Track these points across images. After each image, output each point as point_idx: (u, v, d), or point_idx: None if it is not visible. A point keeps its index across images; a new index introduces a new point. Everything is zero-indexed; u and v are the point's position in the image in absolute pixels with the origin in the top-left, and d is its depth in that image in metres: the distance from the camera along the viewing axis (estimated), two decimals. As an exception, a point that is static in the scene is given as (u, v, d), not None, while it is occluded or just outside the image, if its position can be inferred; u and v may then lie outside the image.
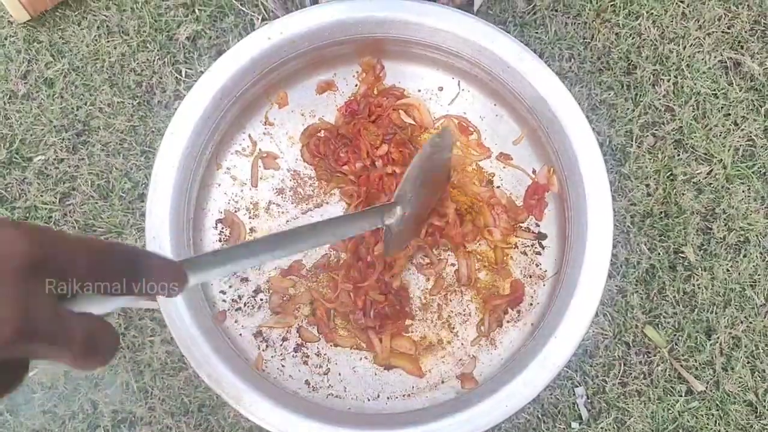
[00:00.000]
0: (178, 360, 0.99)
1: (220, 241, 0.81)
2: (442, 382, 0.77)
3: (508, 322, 0.79)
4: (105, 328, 0.33)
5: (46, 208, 1.02)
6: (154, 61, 1.06)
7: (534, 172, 0.82)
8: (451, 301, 0.80)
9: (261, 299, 0.80)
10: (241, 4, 1.08)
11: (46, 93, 1.05)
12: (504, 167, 0.82)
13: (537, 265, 0.80)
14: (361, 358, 0.78)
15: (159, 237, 0.70)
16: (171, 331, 0.69)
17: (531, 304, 0.79)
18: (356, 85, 0.83)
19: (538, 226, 0.81)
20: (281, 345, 0.79)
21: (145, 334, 0.99)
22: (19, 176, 1.03)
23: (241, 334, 0.79)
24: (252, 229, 0.81)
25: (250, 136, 0.83)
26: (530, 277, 0.80)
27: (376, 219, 0.64)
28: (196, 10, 1.07)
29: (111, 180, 1.03)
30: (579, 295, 0.69)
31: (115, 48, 1.06)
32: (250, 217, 0.82)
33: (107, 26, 1.07)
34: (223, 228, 0.81)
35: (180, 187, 0.72)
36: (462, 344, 0.79)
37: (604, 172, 0.71)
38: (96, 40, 1.06)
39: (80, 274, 0.31)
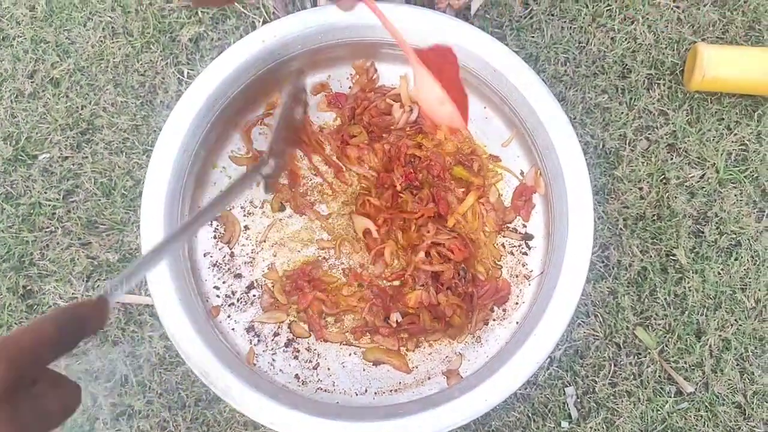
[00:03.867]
0: (176, 355, 1.01)
1: (214, 237, 0.83)
2: (429, 378, 0.79)
3: (494, 320, 0.81)
4: (73, 391, 0.40)
5: (49, 205, 1.05)
6: (157, 62, 1.09)
7: (522, 173, 0.83)
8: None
9: (254, 295, 0.82)
10: (242, 7, 1.10)
11: (51, 92, 1.08)
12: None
13: (523, 265, 0.82)
14: (350, 354, 0.80)
15: (152, 228, 0.73)
16: (163, 323, 0.71)
17: (517, 303, 0.81)
18: (350, 87, 0.85)
19: (525, 226, 0.83)
20: (272, 340, 0.81)
21: (144, 329, 1.02)
22: (24, 173, 1.06)
23: (233, 329, 0.81)
24: (246, 227, 0.83)
25: (246, 135, 0.85)
26: (516, 276, 0.81)
27: (256, 176, 0.69)
28: (199, 13, 1.10)
29: (114, 178, 1.06)
30: (559, 294, 0.70)
31: (119, 49, 1.09)
32: (244, 215, 0.84)
33: (112, 27, 1.09)
34: (218, 225, 0.83)
35: (175, 184, 0.75)
36: (449, 342, 0.80)
37: (586, 175, 0.73)
38: (101, 41, 1.09)
39: (44, 362, 0.37)
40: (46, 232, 1.05)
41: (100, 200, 1.05)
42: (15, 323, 1.02)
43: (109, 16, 1.09)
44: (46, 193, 1.05)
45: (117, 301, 1.02)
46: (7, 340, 0.35)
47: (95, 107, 1.08)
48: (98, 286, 1.02)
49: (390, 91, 0.84)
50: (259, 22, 1.10)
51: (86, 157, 1.06)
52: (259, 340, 0.80)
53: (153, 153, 0.75)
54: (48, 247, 1.04)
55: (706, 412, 1.00)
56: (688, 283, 1.03)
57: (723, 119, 1.06)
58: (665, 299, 1.02)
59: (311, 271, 0.81)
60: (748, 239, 1.04)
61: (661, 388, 1.01)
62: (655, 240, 1.04)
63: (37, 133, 1.07)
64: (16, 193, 1.05)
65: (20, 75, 1.08)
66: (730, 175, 1.05)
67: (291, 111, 0.77)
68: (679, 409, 1.00)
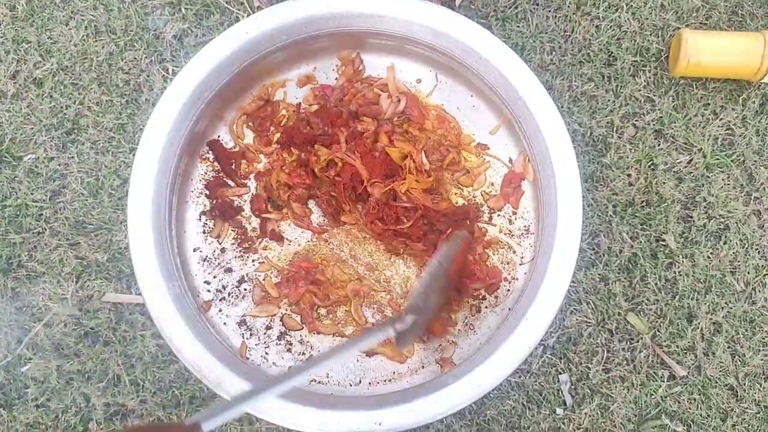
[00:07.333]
0: (169, 353, 1.01)
1: (204, 233, 0.83)
2: (423, 366, 0.79)
3: (486, 307, 0.81)
4: None
5: (36, 206, 1.04)
6: (141, 59, 1.08)
7: (510, 161, 0.83)
8: (431, 288, 0.81)
9: (245, 289, 0.82)
10: (226, 2, 1.09)
11: (35, 93, 1.06)
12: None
13: (514, 252, 0.82)
14: (343, 345, 0.80)
15: (140, 226, 0.72)
16: (154, 319, 0.71)
17: (508, 290, 0.81)
18: (336, 78, 0.85)
19: (515, 213, 0.83)
20: (265, 333, 0.80)
21: (135, 328, 1.01)
22: (9, 175, 1.04)
23: (225, 323, 0.81)
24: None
25: (233, 129, 0.84)
26: (507, 263, 0.82)
27: (388, 330, 0.67)
28: (182, 9, 1.09)
29: (100, 177, 1.05)
30: (549, 278, 0.71)
31: (102, 47, 1.08)
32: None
33: (95, 26, 1.08)
34: (207, 220, 0.83)
35: (161, 180, 0.74)
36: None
37: (573, 158, 0.73)
38: (84, 39, 1.08)
39: None
40: (33, 233, 1.03)
41: (87, 200, 1.04)
42: (5, 326, 1.01)
43: (92, 15, 1.08)
44: (32, 194, 1.04)
45: (106, 301, 1.01)
46: None
47: (80, 107, 1.06)
48: (88, 286, 1.02)
49: (377, 81, 0.84)
50: (243, 16, 1.09)
51: (72, 157, 1.05)
52: (251, 334, 0.80)
53: (138, 149, 0.75)
54: (36, 248, 1.03)
55: (699, 395, 1.01)
56: (678, 267, 1.03)
57: (708, 104, 1.07)
58: (656, 284, 1.03)
59: (307, 264, 0.81)
60: (737, 223, 1.04)
61: (654, 372, 1.01)
62: (644, 226, 1.04)
63: (21, 134, 1.06)
64: (1, 195, 1.04)
65: (2, 76, 1.07)
66: (717, 159, 1.06)
67: (445, 271, 0.73)
68: (672, 393, 1.01)
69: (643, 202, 1.05)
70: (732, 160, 1.05)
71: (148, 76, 1.07)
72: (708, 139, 1.06)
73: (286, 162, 0.83)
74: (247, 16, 1.09)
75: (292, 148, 0.84)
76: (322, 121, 0.79)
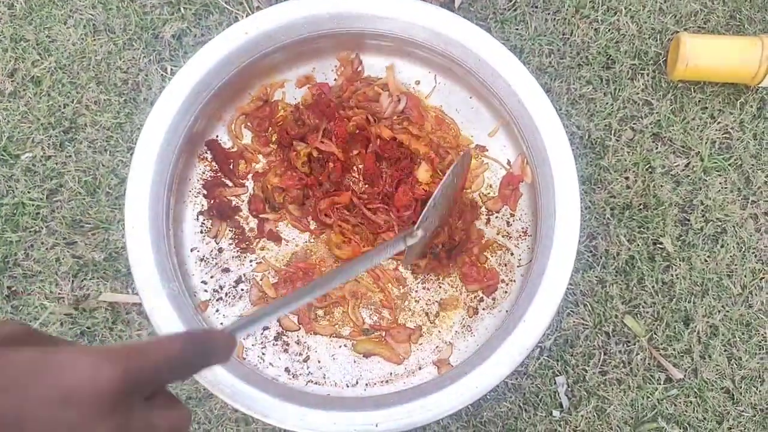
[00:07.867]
0: (165, 353, 1.00)
1: (201, 232, 0.82)
2: (420, 368, 0.79)
3: (484, 309, 0.81)
4: (184, 416, 0.37)
5: (33, 205, 1.03)
6: (139, 58, 1.08)
7: (509, 163, 0.83)
8: (428, 290, 0.81)
9: (242, 289, 0.81)
10: (225, 2, 1.09)
11: (33, 91, 1.06)
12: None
13: (512, 254, 0.82)
14: (340, 346, 0.80)
15: (137, 226, 0.72)
16: (150, 319, 0.71)
17: (506, 292, 0.81)
18: (335, 79, 0.85)
19: (513, 215, 0.83)
20: (262, 333, 0.80)
21: (132, 327, 1.01)
22: (6, 173, 1.04)
23: (222, 324, 0.80)
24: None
25: (231, 129, 0.84)
26: (505, 265, 0.81)
27: (400, 244, 0.69)
28: (182, 8, 1.09)
29: (98, 176, 1.05)
30: (547, 280, 0.71)
31: (101, 46, 1.07)
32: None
33: (93, 25, 1.08)
34: (204, 220, 0.83)
35: (159, 180, 0.74)
36: (439, 331, 0.80)
37: (572, 163, 0.73)
38: (82, 38, 1.08)
39: (164, 381, 0.35)
40: (30, 232, 1.03)
41: (84, 199, 1.04)
42: (0, 325, 1.00)
43: (90, 14, 1.08)
44: (29, 192, 1.04)
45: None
46: (131, 350, 0.33)
47: (78, 105, 1.06)
48: (84, 285, 1.01)
49: (377, 81, 0.84)
50: (243, 16, 1.09)
51: (70, 156, 1.05)
52: (248, 334, 0.80)
53: (136, 149, 0.75)
54: (32, 247, 1.03)
55: (696, 398, 1.01)
56: (676, 270, 1.03)
57: (706, 108, 1.07)
58: (653, 287, 1.03)
59: (304, 265, 0.80)
60: (734, 226, 1.05)
61: (651, 375, 1.01)
62: (642, 229, 1.04)
63: (19, 133, 1.05)
64: (-2, 193, 1.04)
65: (0, 74, 1.07)
66: (715, 163, 1.06)
67: (452, 188, 0.76)
68: (668, 396, 1.01)
69: (640, 204, 1.05)
70: (729, 164, 1.06)
71: (146, 75, 1.07)
72: (705, 143, 1.06)
73: (281, 163, 0.83)
74: (247, 16, 1.09)
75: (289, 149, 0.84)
76: (315, 114, 0.79)
